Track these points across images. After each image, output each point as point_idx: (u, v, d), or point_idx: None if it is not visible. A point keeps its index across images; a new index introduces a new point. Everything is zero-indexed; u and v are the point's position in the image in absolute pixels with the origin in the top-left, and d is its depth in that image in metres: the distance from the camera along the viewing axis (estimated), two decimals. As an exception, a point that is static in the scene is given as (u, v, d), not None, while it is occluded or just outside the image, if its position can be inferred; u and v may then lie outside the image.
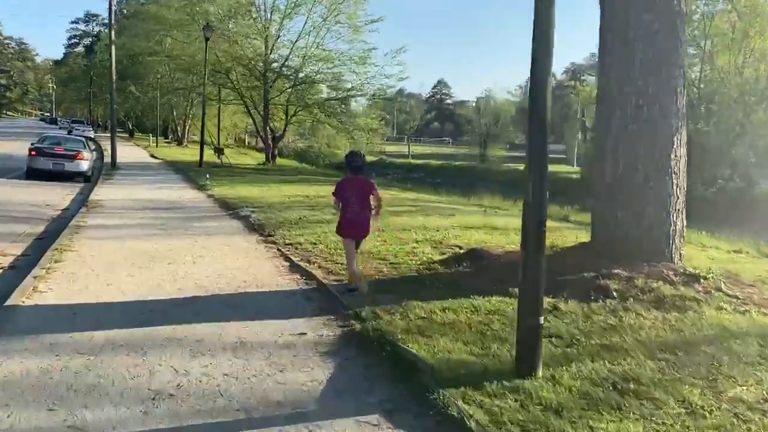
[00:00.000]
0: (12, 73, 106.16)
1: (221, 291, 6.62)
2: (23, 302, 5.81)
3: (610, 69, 7.01)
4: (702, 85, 31.20)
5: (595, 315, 5.39)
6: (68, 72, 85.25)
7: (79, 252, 8.22)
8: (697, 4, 28.94)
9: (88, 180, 19.98)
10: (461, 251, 8.30)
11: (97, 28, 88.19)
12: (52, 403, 3.74)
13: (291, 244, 9.28)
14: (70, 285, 6.54)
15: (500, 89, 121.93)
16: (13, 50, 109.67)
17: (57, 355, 4.52)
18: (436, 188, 28.87)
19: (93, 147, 30.50)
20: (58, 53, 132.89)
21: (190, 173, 23.96)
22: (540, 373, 4.06)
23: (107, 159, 27.87)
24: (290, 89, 35.74)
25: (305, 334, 5.23)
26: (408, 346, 4.56)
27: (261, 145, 46.38)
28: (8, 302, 5.74)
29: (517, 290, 6.02)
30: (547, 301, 5.05)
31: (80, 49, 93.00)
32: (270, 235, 10.08)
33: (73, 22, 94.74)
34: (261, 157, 40.27)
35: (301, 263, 7.94)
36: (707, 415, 3.60)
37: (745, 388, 3.97)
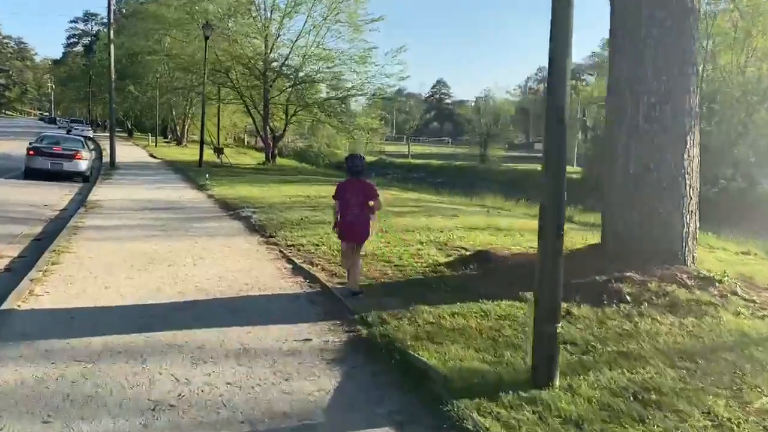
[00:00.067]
0: (11, 72, 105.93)
1: (222, 294, 6.44)
2: (19, 306, 5.63)
3: (621, 67, 6.84)
4: (704, 85, 31.00)
5: (609, 320, 5.22)
6: (67, 71, 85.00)
7: (77, 254, 8.05)
8: (699, 3, 28.77)
9: (87, 180, 19.79)
10: (467, 253, 8.14)
11: (96, 28, 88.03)
12: (47, 415, 3.56)
13: (293, 245, 9.11)
14: (68, 288, 6.36)
15: (499, 89, 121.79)
16: (12, 49, 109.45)
17: (53, 363, 4.35)
18: (436, 188, 28.74)
19: (92, 146, 30.31)
20: (57, 53, 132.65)
21: (190, 173, 23.77)
22: (557, 382, 3.89)
23: (106, 159, 27.67)
24: (290, 88, 35.57)
25: (310, 339, 5.06)
26: (418, 354, 4.39)
27: (260, 144, 46.22)
28: (3, 306, 5.57)
29: (527, 294, 5.88)
30: (560, 306, 4.88)
31: (79, 48, 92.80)
32: (271, 237, 9.90)
33: (72, 22, 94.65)
34: (260, 156, 40.10)
35: (304, 265, 7.77)
36: (735, 428, 3.43)
37: (771, 398, 3.80)
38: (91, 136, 46.78)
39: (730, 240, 13.23)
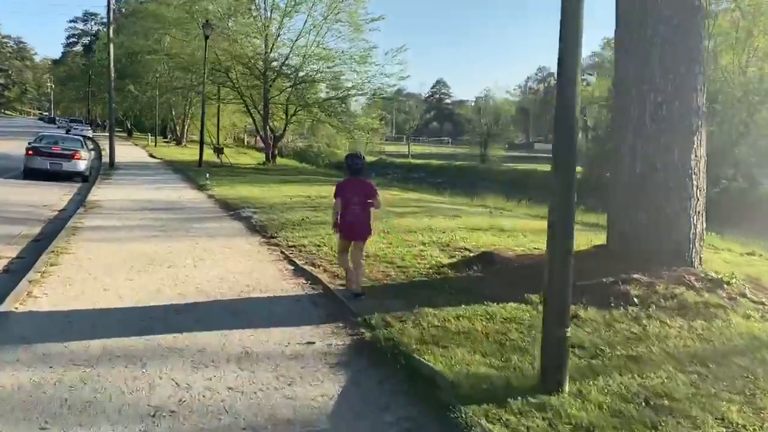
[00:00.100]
0: (10, 72, 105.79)
1: (224, 296, 6.35)
2: (16, 309, 5.54)
3: (627, 66, 6.76)
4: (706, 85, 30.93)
5: (617, 323, 5.13)
6: (67, 71, 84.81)
7: (76, 255, 7.96)
8: (707, 0, 28.66)
9: (86, 180, 19.69)
10: (471, 254, 8.05)
11: (95, 27, 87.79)
12: (45, 421, 3.48)
13: (294, 246, 9.02)
14: (66, 290, 6.27)
15: (499, 89, 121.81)
16: (12, 49, 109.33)
17: (51, 367, 4.26)
18: (437, 188, 28.67)
19: (91, 146, 30.20)
20: (57, 52, 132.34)
21: (190, 173, 23.67)
22: (567, 388, 3.80)
23: (105, 158, 27.56)
24: (290, 88, 35.46)
25: (313, 343, 4.97)
26: (424, 359, 4.30)
27: (260, 144, 46.11)
28: (1, 309, 5.48)
29: (533, 296, 5.84)
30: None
31: (79, 48, 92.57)
32: (272, 237, 9.81)
33: (71, 21, 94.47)
34: (260, 156, 39.99)
35: (306, 266, 7.68)
36: (750, 435, 3.35)
37: (785, 404, 3.72)
38: (91, 135, 46.65)
39: (733, 241, 13.14)
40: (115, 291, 6.31)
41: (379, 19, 33.65)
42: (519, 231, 10.97)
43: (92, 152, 25.90)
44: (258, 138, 48.63)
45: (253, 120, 38.94)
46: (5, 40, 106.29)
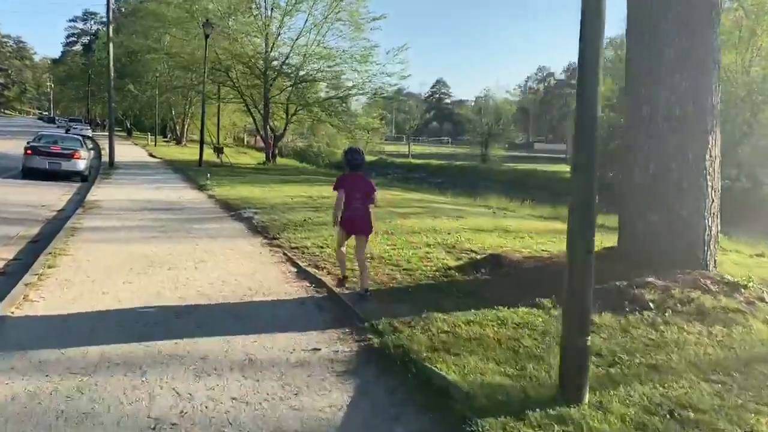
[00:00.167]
0: (10, 71, 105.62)
1: (226, 300, 6.18)
2: (12, 313, 5.36)
3: (640, 63, 6.59)
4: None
5: (633, 329, 4.96)
6: (66, 71, 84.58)
7: (74, 256, 7.78)
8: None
9: (86, 179, 19.52)
10: (477, 256, 7.88)
11: (95, 27, 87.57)
12: (39, 435, 3.31)
13: (297, 247, 8.84)
14: (64, 293, 6.09)
15: (499, 89, 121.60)
16: (11, 49, 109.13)
17: (47, 375, 4.08)
18: (438, 188, 28.51)
19: (90, 146, 30.00)
20: (56, 52, 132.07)
21: (190, 173, 23.49)
22: (587, 399, 3.63)
23: (105, 158, 27.38)
24: (291, 87, 35.28)
25: (319, 349, 4.79)
26: (436, 367, 4.12)
27: (260, 144, 45.92)
28: (-4, 313, 5.30)
29: (544, 300, 5.67)
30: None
31: (78, 47, 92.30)
32: (275, 238, 9.64)
33: (71, 21, 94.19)
34: (260, 156, 39.81)
35: (309, 269, 7.51)
36: (783, 450, 3.17)
37: (816, 416, 3.55)
38: (90, 135, 46.46)
39: (740, 241, 12.97)
40: (114, 294, 6.14)
41: (381, 18, 33.52)
42: (524, 232, 10.82)
43: (91, 152, 25.71)
44: (258, 137, 48.45)
45: (254, 119, 38.77)
46: (5, 39, 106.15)
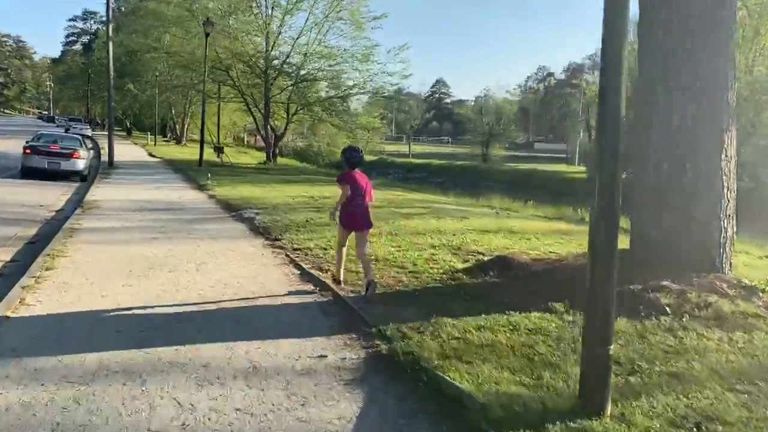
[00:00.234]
0: (9, 71, 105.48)
1: (228, 303, 6.01)
2: (8, 318, 5.20)
3: (652, 60, 6.41)
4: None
5: (650, 335, 4.79)
6: (66, 70, 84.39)
7: (73, 258, 7.61)
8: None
9: (85, 179, 19.34)
10: (485, 258, 7.71)
11: (95, 26, 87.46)
12: (34, 450, 3.14)
13: (300, 249, 8.67)
14: (62, 296, 5.92)
15: (498, 88, 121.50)
16: (11, 48, 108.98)
17: (43, 384, 3.92)
18: (439, 188, 28.34)
19: (90, 145, 29.80)
20: (56, 51, 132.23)
21: (190, 172, 23.31)
22: (609, 410, 3.45)
23: (105, 158, 27.19)
24: (291, 87, 35.09)
25: (325, 356, 4.62)
26: (448, 376, 3.95)
27: (260, 143, 45.73)
28: (-9, 318, 5.13)
29: (556, 305, 5.50)
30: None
31: (78, 47, 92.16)
32: (277, 239, 9.46)
33: (71, 20, 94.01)
34: (261, 156, 39.63)
35: (313, 271, 7.34)
36: (819, 467, 3.01)
37: None
38: (90, 134, 46.27)
39: (746, 241, 12.81)
40: (113, 298, 5.97)
41: (382, 17, 33.30)
42: (530, 233, 10.65)
43: (91, 151, 25.51)
44: (258, 137, 48.26)
45: (254, 119, 38.58)
46: (4, 38, 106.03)
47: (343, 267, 6.75)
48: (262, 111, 34.92)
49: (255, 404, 3.76)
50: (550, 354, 4.42)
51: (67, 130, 35.50)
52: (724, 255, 6.13)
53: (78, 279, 6.61)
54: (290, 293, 6.46)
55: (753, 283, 5.76)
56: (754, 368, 4.19)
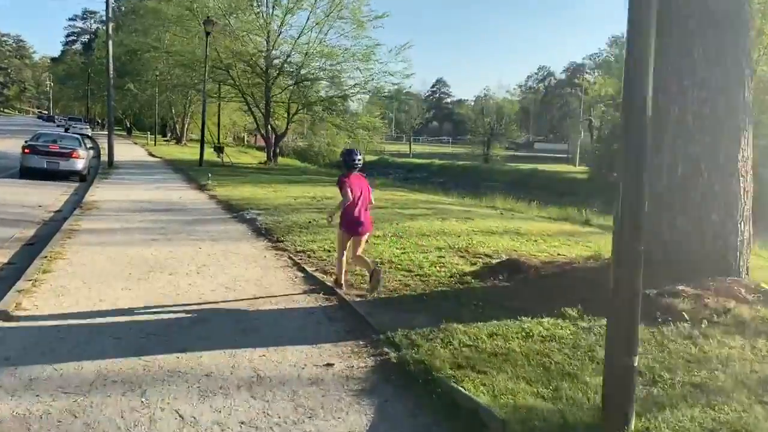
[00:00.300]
0: (9, 70, 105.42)
1: (230, 308, 5.84)
2: (3, 323, 5.02)
3: (667, 58, 6.22)
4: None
5: (669, 342, 4.62)
6: (66, 69, 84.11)
7: (71, 260, 7.44)
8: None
9: (84, 179, 19.16)
10: (493, 261, 7.54)
11: (95, 26, 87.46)
12: (27, 468, 2.96)
13: (303, 251, 8.50)
14: (59, 301, 5.75)
15: (499, 88, 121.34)
16: (11, 48, 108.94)
17: (38, 395, 3.74)
18: (441, 188, 28.13)
19: (89, 145, 29.59)
20: (56, 51, 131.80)
21: (191, 172, 23.13)
22: (633, 425, 3.28)
23: (104, 157, 27.02)
24: (292, 86, 34.88)
25: (332, 365, 4.45)
26: (462, 387, 3.77)
27: (261, 143, 45.52)
28: (-15, 324, 4.96)
29: (569, 310, 5.32)
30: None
31: (78, 46, 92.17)
32: (279, 241, 9.28)
33: (70, 20, 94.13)
34: (261, 155, 39.45)
35: (317, 274, 7.17)
36: None
37: None
38: (89, 134, 46.05)
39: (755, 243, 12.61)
40: (112, 302, 5.79)
41: (383, 17, 33.02)
42: (537, 234, 10.48)
43: (90, 151, 25.29)
44: (258, 137, 48.05)
45: (255, 119, 38.34)
46: (4, 38, 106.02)
47: (344, 271, 6.57)
48: (263, 110, 34.70)
49: (260, 417, 3.58)
50: (566, 363, 4.24)
51: (66, 130, 35.32)
52: (741, 258, 5.97)
53: (76, 282, 6.43)
54: (294, 297, 6.29)
55: (772, 288, 5.58)
56: (781, 378, 4.02)
